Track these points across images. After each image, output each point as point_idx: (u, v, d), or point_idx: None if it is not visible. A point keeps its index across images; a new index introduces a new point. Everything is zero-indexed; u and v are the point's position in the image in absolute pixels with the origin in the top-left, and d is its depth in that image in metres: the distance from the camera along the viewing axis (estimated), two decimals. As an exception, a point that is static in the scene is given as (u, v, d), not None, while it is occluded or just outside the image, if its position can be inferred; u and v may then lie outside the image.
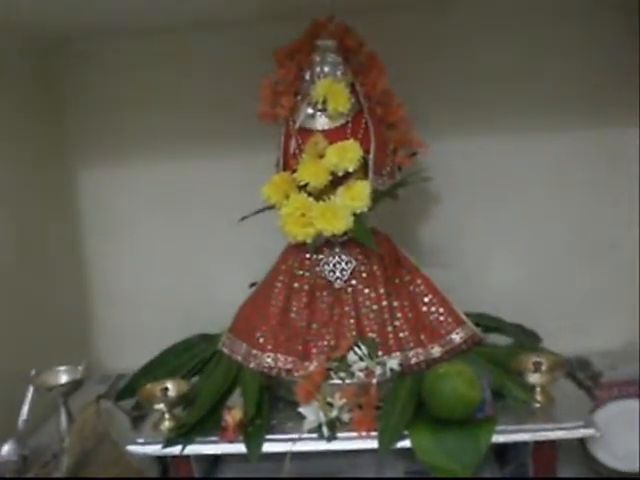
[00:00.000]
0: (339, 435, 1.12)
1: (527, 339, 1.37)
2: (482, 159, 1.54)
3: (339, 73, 1.26)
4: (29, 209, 1.50)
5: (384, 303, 1.24)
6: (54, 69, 1.61)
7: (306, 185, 1.23)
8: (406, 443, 1.10)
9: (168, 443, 1.14)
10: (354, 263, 1.26)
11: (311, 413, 1.13)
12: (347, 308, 1.24)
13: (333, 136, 1.24)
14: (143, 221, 1.66)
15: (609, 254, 1.57)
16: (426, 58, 1.51)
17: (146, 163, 1.63)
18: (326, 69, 1.26)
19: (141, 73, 1.59)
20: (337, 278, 1.25)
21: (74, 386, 1.31)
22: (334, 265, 1.26)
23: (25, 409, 1.28)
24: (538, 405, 1.15)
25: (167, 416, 1.18)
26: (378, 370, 1.17)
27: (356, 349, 1.20)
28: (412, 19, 1.49)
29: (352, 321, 1.23)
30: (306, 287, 1.27)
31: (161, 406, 1.18)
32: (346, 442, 1.12)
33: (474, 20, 1.50)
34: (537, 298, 1.58)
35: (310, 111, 1.27)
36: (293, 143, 1.27)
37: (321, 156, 1.23)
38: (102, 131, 1.63)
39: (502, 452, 1.20)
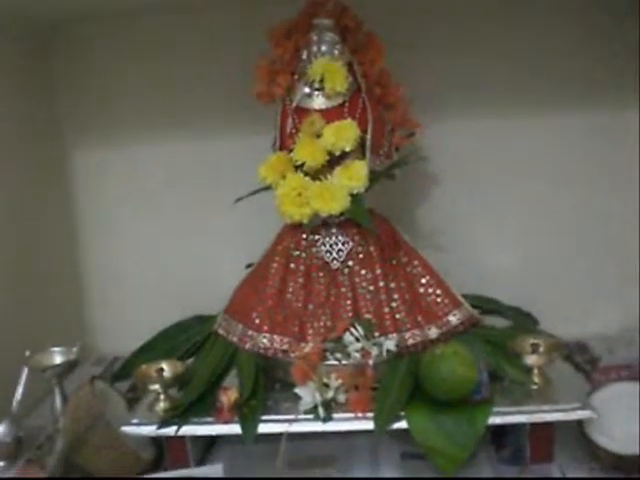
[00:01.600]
0: (335, 416, 1.12)
1: (524, 321, 1.36)
2: (480, 141, 1.54)
3: (336, 52, 1.25)
4: (24, 191, 1.49)
5: (381, 284, 1.23)
6: (49, 51, 1.60)
7: (303, 165, 1.22)
8: (402, 424, 1.09)
9: (163, 424, 1.13)
10: (351, 244, 1.25)
11: (307, 394, 1.13)
12: (344, 289, 1.24)
13: (330, 116, 1.23)
14: (139, 202, 1.66)
15: (608, 238, 1.56)
16: (425, 39, 1.50)
17: (143, 144, 1.62)
18: (323, 48, 1.24)
19: (138, 54, 1.58)
20: (334, 259, 1.25)
21: (69, 367, 1.31)
22: (331, 246, 1.25)
23: (19, 390, 1.27)
24: (535, 387, 1.15)
25: (162, 397, 1.17)
26: (374, 351, 1.17)
27: (352, 330, 1.19)
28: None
29: (348, 302, 1.23)
30: (302, 268, 1.26)
31: (156, 387, 1.17)
32: (342, 423, 1.11)
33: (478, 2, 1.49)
34: (535, 282, 1.57)
35: (307, 90, 1.25)
36: (290, 123, 1.26)
37: (318, 136, 1.22)
38: (99, 111, 1.62)
39: (499, 434, 1.19)
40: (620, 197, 1.54)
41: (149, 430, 1.14)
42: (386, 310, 1.22)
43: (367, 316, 1.21)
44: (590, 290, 1.58)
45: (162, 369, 1.20)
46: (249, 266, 1.38)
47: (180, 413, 1.13)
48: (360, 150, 1.24)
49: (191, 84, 1.57)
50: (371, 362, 1.15)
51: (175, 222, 1.65)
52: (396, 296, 1.24)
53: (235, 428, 1.12)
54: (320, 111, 1.24)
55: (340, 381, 1.13)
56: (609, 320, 1.54)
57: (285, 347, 1.21)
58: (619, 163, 1.53)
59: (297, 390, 1.14)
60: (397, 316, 1.22)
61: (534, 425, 1.11)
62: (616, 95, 1.49)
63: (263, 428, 1.12)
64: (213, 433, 1.15)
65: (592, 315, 1.55)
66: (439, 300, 1.25)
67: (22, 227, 1.48)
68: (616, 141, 1.51)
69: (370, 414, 1.10)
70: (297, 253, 1.27)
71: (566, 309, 1.52)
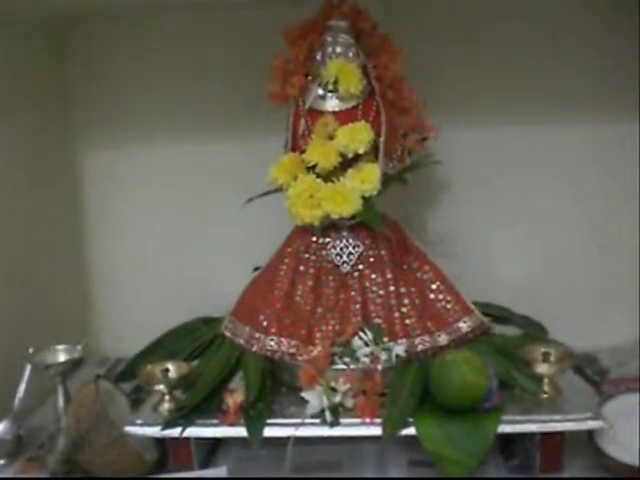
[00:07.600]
0: (342, 421, 1.10)
1: (534, 330, 1.35)
2: (493, 149, 1.53)
3: (351, 54, 1.24)
4: (30, 191, 1.48)
5: (391, 289, 1.22)
6: (61, 49, 1.59)
7: (315, 166, 1.21)
8: (410, 431, 1.08)
9: (167, 425, 1.11)
10: (361, 247, 1.23)
11: (314, 398, 1.11)
12: (353, 293, 1.23)
13: (344, 118, 1.22)
14: (145, 204, 1.65)
15: (618, 250, 1.55)
16: (439, 44, 1.50)
17: (150, 145, 1.61)
18: (338, 50, 1.24)
19: (150, 54, 1.58)
20: (344, 262, 1.23)
21: (72, 365, 1.29)
22: (341, 249, 1.23)
23: (22, 388, 1.26)
24: (546, 396, 1.13)
25: (167, 398, 1.16)
26: (383, 356, 1.16)
27: (361, 334, 1.18)
28: (427, 3, 1.48)
29: (358, 306, 1.22)
30: (312, 271, 1.25)
31: (161, 387, 1.16)
32: (349, 428, 1.10)
33: (491, 9, 1.48)
34: (544, 294, 1.55)
35: (320, 92, 1.24)
36: (302, 124, 1.25)
37: (331, 137, 1.21)
38: (108, 112, 1.61)
39: (508, 444, 1.18)
40: (634, 208, 1.52)
41: (153, 431, 1.12)
42: (396, 315, 1.21)
43: (376, 321, 1.20)
44: (602, 301, 1.57)
45: (167, 370, 1.19)
46: (256, 269, 1.36)
47: (185, 414, 1.12)
48: (373, 153, 1.23)
49: (202, 86, 1.56)
50: (380, 367, 1.14)
51: (183, 224, 1.64)
52: (406, 301, 1.23)
53: (240, 431, 1.10)
54: (333, 113, 1.23)
55: (348, 386, 1.12)
56: (621, 332, 1.53)
57: (293, 350, 1.20)
58: (634, 173, 1.51)
59: (304, 394, 1.12)
60: (407, 321, 1.21)
61: (545, 435, 1.09)
62: (629, 105, 1.49)
63: (269, 431, 1.10)
64: (218, 435, 1.14)
65: (603, 327, 1.54)
66: (449, 306, 1.24)
67: (28, 227, 1.47)
68: (632, 151, 1.50)
69: (378, 420, 1.09)
70: (307, 256, 1.25)
71: (577, 320, 1.50)
